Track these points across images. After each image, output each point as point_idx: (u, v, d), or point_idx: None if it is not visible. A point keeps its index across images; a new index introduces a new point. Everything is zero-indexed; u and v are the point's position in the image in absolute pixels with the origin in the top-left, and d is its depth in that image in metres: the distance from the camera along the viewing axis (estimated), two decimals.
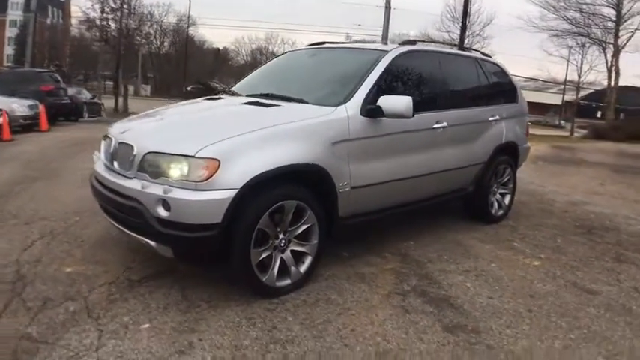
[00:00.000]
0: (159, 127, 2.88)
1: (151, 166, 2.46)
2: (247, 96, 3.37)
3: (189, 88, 35.48)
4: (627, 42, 20.68)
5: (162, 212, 2.34)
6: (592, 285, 3.05)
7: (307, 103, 3.04)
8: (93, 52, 33.03)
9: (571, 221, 4.80)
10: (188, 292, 2.64)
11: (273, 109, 2.92)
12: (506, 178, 4.58)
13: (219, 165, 2.32)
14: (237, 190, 2.35)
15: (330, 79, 3.43)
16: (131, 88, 20.43)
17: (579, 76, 31.68)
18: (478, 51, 4.42)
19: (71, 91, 14.56)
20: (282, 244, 2.64)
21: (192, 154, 2.33)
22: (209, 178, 2.31)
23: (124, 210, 2.55)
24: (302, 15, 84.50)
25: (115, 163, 2.72)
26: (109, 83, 29.47)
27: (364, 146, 2.99)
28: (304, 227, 2.70)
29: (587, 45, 25.55)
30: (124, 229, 2.65)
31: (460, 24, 27.04)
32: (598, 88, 35.21)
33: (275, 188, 2.50)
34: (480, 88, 4.24)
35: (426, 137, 3.50)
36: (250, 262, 2.49)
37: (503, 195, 4.58)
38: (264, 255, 2.56)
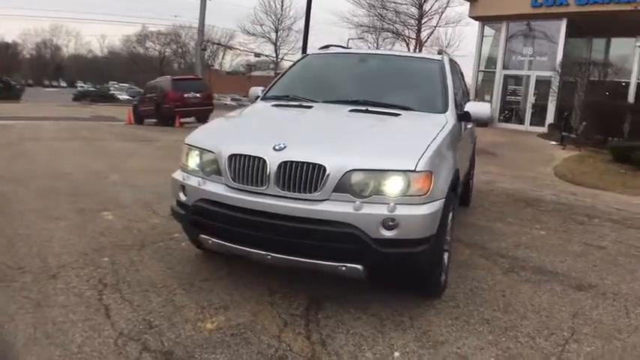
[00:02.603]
0: (327, 141, 2.79)
1: (357, 185, 2.48)
2: (329, 102, 3.48)
3: None
4: (428, 38, 25.95)
5: (385, 232, 2.45)
6: (595, 243, 4.40)
7: (413, 110, 3.42)
8: None
9: (506, 197, 6.37)
10: (372, 311, 2.75)
11: (401, 119, 3.19)
12: (472, 167, 5.79)
13: (432, 176, 2.58)
14: (444, 199, 2.66)
15: (407, 85, 3.82)
16: None
17: None
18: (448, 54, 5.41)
19: None
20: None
21: (413, 169, 2.50)
22: (428, 191, 2.55)
23: (314, 237, 2.48)
24: (91, 3, 75.00)
25: (276, 186, 2.58)
26: None
27: (461, 149, 3.58)
28: (449, 226, 3.14)
29: (384, 39, 30.58)
30: (297, 259, 2.56)
31: (273, 16, 28.94)
32: None
33: (450, 193, 2.88)
34: (464, 88, 5.27)
35: (466, 136, 4.30)
36: (442, 266, 2.83)
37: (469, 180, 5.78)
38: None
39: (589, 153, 12.14)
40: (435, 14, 25.22)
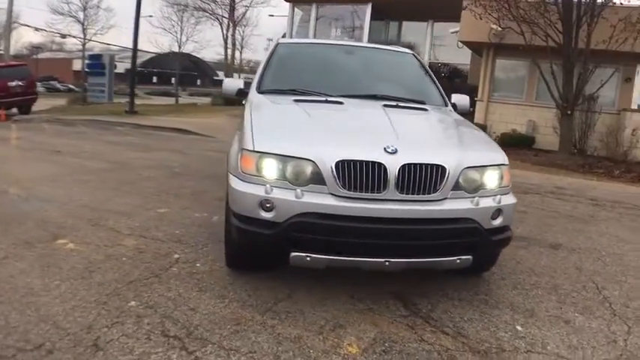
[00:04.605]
0: (429, 140, 2.95)
1: (468, 181, 2.72)
2: (347, 97, 3.52)
3: None
4: (242, 17, 26.15)
5: (493, 222, 2.77)
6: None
7: (427, 104, 3.74)
8: None
9: None
10: (455, 295, 3.07)
11: (435, 114, 3.51)
12: None
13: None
14: None
15: (402, 79, 4.13)
16: None
17: (179, 47, 36.28)
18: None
19: None
20: None
21: (504, 162, 2.88)
22: (510, 181, 2.96)
23: (439, 235, 2.65)
24: None
25: (395, 190, 2.59)
26: None
27: None
28: None
29: (188, 18, 29.70)
30: (417, 260, 2.69)
31: None
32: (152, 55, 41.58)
33: None
34: None
35: None
36: None
37: None
38: None
39: None
40: None
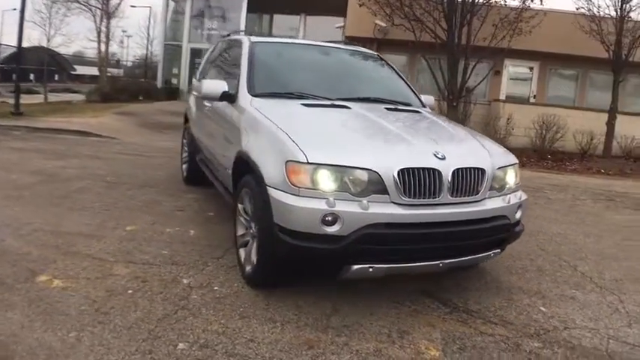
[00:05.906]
0: (457, 144, 3.13)
1: (498, 181, 2.99)
2: (346, 100, 3.55)
3: None
4: (116, 9, 23.70)
5: (516, 216, 3.09)
6: None
7: (412, 106, 3.95)
8: None
9: None
10: (471, 286, 3.35)
11: (430, 116, 3.72)
12: None
13: None
14: None
15: (381, 81, 4.31)
16: None
17: (48, 40, 31.85)
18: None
19: None
20: None
21: (517, 162, 3.23)
22: (520, 177, 3.31)
23: (484, 233, 2.87)
24: None
25: (448, 194, 2.73)
26: None
27: None
28: None
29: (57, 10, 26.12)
30: (464, 259, 2.89)
31: None
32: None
33: None
34: None
35: None
36: None
37: None
38: None
39: None
40: None
